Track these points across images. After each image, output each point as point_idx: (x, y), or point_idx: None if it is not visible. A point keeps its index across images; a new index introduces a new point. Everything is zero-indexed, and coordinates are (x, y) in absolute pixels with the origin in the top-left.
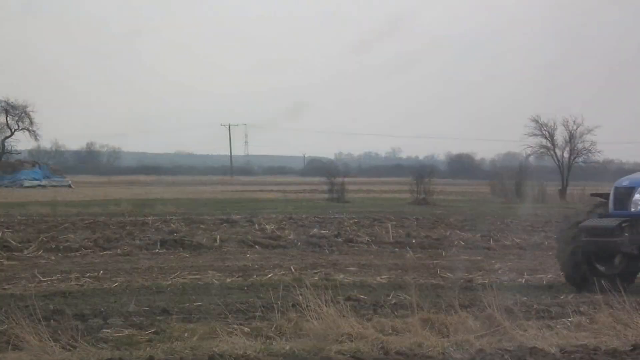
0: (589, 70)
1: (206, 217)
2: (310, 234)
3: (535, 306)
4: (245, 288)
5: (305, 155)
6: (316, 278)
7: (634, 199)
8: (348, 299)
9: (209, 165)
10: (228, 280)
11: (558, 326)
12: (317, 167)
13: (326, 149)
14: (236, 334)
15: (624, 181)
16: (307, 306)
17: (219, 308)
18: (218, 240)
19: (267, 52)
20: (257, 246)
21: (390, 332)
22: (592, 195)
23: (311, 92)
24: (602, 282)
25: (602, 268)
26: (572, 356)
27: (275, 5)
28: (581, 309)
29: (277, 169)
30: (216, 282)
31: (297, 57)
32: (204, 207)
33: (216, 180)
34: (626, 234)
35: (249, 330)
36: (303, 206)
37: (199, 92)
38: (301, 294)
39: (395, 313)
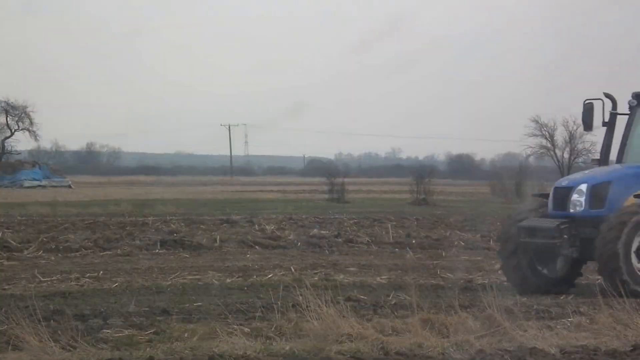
0: (589, 70)
1: (206, 217)
2: (310, 234)
3: (535, 306)
4: (245, 288)
5: (305, 156)
6: (316, 278)
7: (572, 199)
8: (348, 299)
9: (209, 166)
10: (228, 280)
11: (558, 326)
12: (317, 167)
13: (326, 149)
14: (236, 335)
15: (563, 181)
16: (307, 306)
17: (219, 308)
18: (218, 241)
19: (267, 52)
20: (257, 246)
21: (390, 332)
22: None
23: (311, 92)
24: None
25: (544, 270)
26: (572, 357)
27: (275, 5)
28: (581, 309)
29: (277, 169)
30: (216, 282)
31: (297, 57)
32: (204, 208)
33: (216, 180)
34: (565, 236)
35: (249, 330)
36: (303, 206)
37: (199, 92)
38: (301, 294)
39: (395, 313)
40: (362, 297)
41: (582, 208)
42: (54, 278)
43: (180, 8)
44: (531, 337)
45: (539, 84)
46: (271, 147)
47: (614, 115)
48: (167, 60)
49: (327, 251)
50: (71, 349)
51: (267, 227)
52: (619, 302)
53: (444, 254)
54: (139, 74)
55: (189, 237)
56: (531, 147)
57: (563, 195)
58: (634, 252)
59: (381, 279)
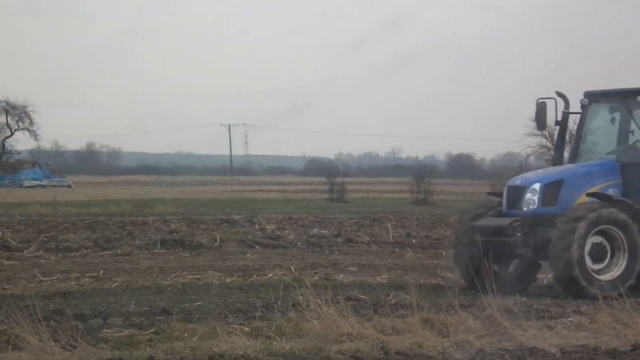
0: (589, 70)
1: (206, 217)
2: (310, 234)
3: (535, 306)
4: (245, 288)
5: (305, 155)
6: (316, 278)
7: (525, 198)
8: (348, 299)
9: (209, 165)
10: (228, 280)
11: (558, 326)
12: (317, 167)
13: (326, 149)
14: (236, 334)
15: (517, 180)
16: (307, 306)
17: (219, 308)
18: (218, 240)
19: (267, 52)
20: (257, 246)
21: (390, 332)
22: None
23: (311, 92)
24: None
25: (502, 270)
26: (572, 356)
27: (275, 5)
28: (581, 309)
29: (277, 169)
30: (216, 282)
31: (297, 57)
32: (204, 207)
33: (216, 180)
34: (519, 234)
35: (249, 330)
36: (303, 206)
37: (199, 92)
38: (301, 294)
39: (396, 313)
40: (362, 296)
41: (535, 206)
42: (54, 278)
43: (180, 8)
44: (531, 337)
45: (539, 84)
46: (271, 147)
47: (566, 115)
48: (167, 60)
49: (327, 251)
50: (71, 348)
51: (267, 226)
52: (619, 301)
53: (444, 254)
54: (139, 74)
55: (189, 236)
56: (531, 146)
57: (517, 194)
58: (588, 255)
59: (381, 278)
